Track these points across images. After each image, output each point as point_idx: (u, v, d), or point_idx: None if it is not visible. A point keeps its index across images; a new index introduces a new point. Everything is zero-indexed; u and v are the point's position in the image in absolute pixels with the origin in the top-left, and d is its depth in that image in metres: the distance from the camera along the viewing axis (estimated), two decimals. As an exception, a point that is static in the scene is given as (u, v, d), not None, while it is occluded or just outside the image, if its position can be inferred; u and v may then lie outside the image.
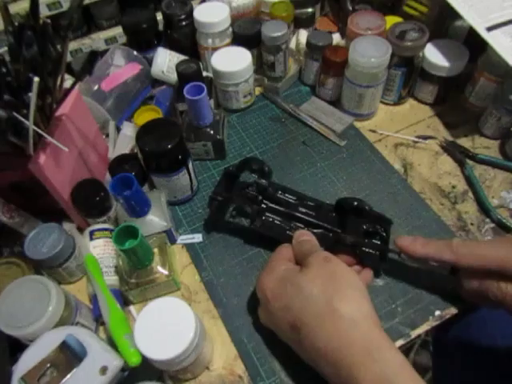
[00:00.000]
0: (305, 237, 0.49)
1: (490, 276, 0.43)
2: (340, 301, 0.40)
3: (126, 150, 0.63)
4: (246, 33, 0.68)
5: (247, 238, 0.56)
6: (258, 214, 0.53)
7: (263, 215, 0.54)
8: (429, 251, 0.45)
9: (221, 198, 0.52)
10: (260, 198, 0.54)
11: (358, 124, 0.68)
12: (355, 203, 0.52)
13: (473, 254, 0.43)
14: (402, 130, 0.67)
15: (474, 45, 0.61)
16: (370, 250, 0.50)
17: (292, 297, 0.42)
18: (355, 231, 0.51)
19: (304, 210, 0.54)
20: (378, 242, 0.52)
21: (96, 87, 0.65)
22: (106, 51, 0.70)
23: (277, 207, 0.54)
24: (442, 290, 0.50)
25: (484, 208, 0.57)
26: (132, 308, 0.52)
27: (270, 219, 0.54)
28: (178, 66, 0.62)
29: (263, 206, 0.54)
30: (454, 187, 0.60)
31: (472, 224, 0.57)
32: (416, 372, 0.37)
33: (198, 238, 0.57)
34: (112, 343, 0.44)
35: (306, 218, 0.52)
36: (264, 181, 0.54)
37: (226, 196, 0.52)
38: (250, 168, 0.55)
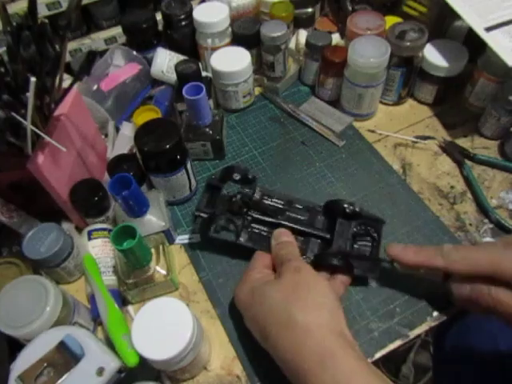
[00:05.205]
0: (284, 237, 0.49)
1: (480, 282, 0.42)
2: (298, 310, 0.40)
3: (125, 150, 0.63)
4: (245, 33, 0.68)
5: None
6: (244, 227, 0.51)
7: (249, 227, 0.52)
8: (420, 258, 0.45)
9: (205, 214, 0.51)
10: (245, 209, 0.52)
11: (357, 124, 0.68)
12: (344, 205, 0.50)
13: (463, 260, 0.43)
14: (401, 130, 0.67)
15: (474, 45, 0.61)
16: (361, 253, 0.50)
17: (258, 307, 0.42)
18: (344, 235, 0.50)
19: (292, 215, 0.52)
20: (370, 244, 0.51)
21: (95, 87, 0.65)
22: (105, 51, 0.70)
23: (263, 218, 0.51)
24: (440, 291, 0.50)
25: (483, 208, 0.57)
26: (130, 308, 0.52)
27: (257, 231, 0.52)
28: (177, 65, 0.62)
29: (248, 217, 0.52)
30: (452, 187, 0.60)
31: (471, 224, 0.57)
32: (376, 376, 0.36)
33: (196, 238, 0.57)
34: (110, 343, 0.44)
35: (294, 225, 0.51)
36: (248, 190, 0.52)
37: (210, 212, 0.51)
38: (232, 178, 0.52)
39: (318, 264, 0.48)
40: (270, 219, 0.51)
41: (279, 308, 0.40)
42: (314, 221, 0.52)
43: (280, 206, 0.53)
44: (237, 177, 0.52)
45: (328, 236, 0.51)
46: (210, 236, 0.52)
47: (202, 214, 0.51)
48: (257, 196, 0.53)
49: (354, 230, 0.51)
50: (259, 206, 0.52)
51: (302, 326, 0.39)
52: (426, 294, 0.51)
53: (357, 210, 0.50)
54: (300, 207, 0.53)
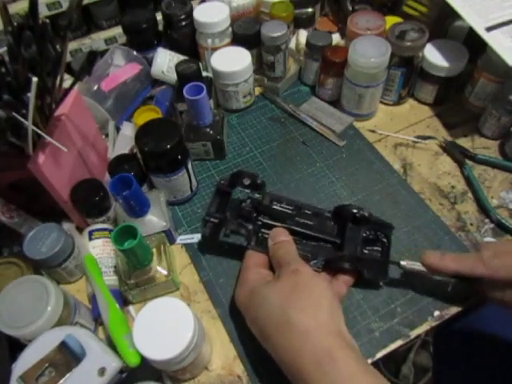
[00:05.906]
0: (281, 237, 0.48)
1: None
2: (296, 312, 0.39)
3: (126, 150, 0.63)
4: (245, 33, 0.68)
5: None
6: (254, 232, 0.51)
7: (259, 232, 0.52)
8: (461, 268, 0.44)
9: (215, 219, 0.51)
10: (255, 214, 0.52)
11: (357, 124, 0.68)
12: (354, 211, 0.50)
13: (507, 267, 0.42)
14: (401, 130, 0.67)
15: (474, 45, 0.61)
16: (372, 256, 0.50)
17: (258, 309, 0.42)
18: (354, 240, 0.50)
19: (301, 221, 0.52)
20: (379, 249, 0.51)
21: (96, 87, 0.65)
22: (105, 51, 0.70)
23: (273, 222, 0.51)
24: (441, 290, 0.50)
25: (483, 208, 0.57)
26: (131, 308, 0.52)
27: (266, 236, 0.51)
28: (177, 66, 0.62)
29: (259, 222, 0.52)
30: (453, 187, 0.60)
31: (471, 224, 0.57)
32: (376, 378, 0.36)
33: (197, 238, 0.57)
34: (111, 343, 0.44)
35: (304, 230, 0.51)
36: (257, 195, 0.52)
37: (220, 217, 0.50)
38: (242, 183, 0.52)
39: (329, 268, 0.49)
40: (280, 224, 0.51)
41: (278, 311, 0.40)
42: (323, 226, 0.52)
43: (289, 212, 0.53)
44: (247, 182, 0.51)
45: (338, 241, 0.51)
46: (219, 240, 0.51)
47: (213, 219, 0.50)
48: (266, 201, 0.52)
49: (364, 234, 0.51)
50: (268, 211, 0.52)
51: (300, 328, 0.39)
52: (427, 294, 0.51)
53: (366, 215, 0.50)
54: (309, 213, 0.53)
